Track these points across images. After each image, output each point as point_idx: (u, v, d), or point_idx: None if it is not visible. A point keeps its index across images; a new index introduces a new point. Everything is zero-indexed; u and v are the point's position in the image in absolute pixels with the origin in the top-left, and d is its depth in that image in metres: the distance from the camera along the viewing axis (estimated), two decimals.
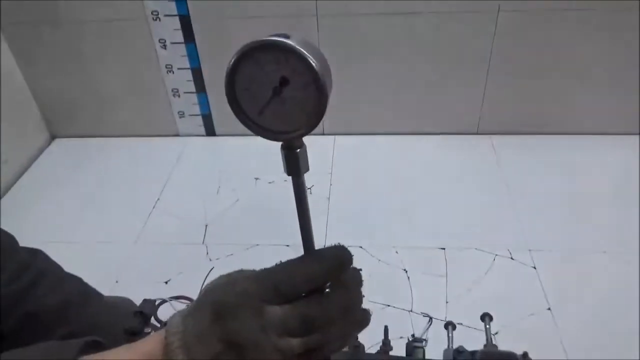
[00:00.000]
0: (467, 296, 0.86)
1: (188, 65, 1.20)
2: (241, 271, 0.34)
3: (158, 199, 1.11)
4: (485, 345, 0.59)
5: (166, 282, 0.90)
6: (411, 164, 1.18)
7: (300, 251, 0.36)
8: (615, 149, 1.17)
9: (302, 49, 0.29)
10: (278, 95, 0.31)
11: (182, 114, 1.29)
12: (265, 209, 1.06)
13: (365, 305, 0.36)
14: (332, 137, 1.27)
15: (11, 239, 0.63)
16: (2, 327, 0.58)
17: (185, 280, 0.90)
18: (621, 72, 1.13)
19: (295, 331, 0.31)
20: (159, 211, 1.08)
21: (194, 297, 0.83)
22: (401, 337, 0.78)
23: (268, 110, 0.31)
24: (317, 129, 0.32)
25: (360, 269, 0.35)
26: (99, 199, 1.13)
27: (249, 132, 0.33)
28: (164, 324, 0.68)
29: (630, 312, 0.81)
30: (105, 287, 0.75)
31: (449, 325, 0.60)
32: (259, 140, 0.34)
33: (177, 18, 1.13)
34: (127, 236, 1.01)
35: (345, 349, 0.62)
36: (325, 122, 0.30)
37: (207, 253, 0.96)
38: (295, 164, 0.33)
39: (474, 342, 0.67)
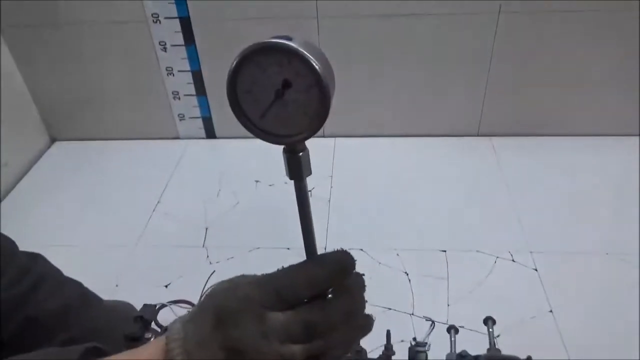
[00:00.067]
0: (468, 299, 0.85)
1: (188, 68, 1.20)
2: (243, 276, 0.34)
3: (158, 202, 1.11)
4: (488, 350, 0.58)
5: (166, 286, 0.90)
6: (412, 166, 1.17)
7: (301, 254, 0.36)
8: (615, 150, 1.17)
9: (304, 51, 0.29)
10: (280, 98, 0.30)
11: (182, 117, 1.28)
12: (266, 211, 1.06)
13: (366, 308, 0.35)
14: (333, 139, 1.26)
15: (11, 244, 0.63)
16: (2, 332, 0.58)
17: (185, 283, 0.90)
18: (621, 73, 1.13)
19: (297, 337, 0.31)
20: (159, 214, 1.08)
21: (195, 300, 0.83)
22: (402, 341, 0.78)
23: (270, 114, 0.31)
24: (318, 131, 0.32)
25: (363, 274, 0.35)
26: (99, 202, 1.13)
27: (249, 134, 0.33)
28: (164, 329, 0.67)
29: (632, 314, 0.81)
30: (105, 290, 0.74)
31: (452, 329, 0.60)
32: (260, 142, 0.34)
33: (177, 20, 1.12)
34: (128, 239, 1.01)
35: (348, 355, 0.62)
36: (326, 124, 0.30)
37: (208, 256, 0.96)
38: (297, 168, 0.33)
39: (477, 346, 0.67)
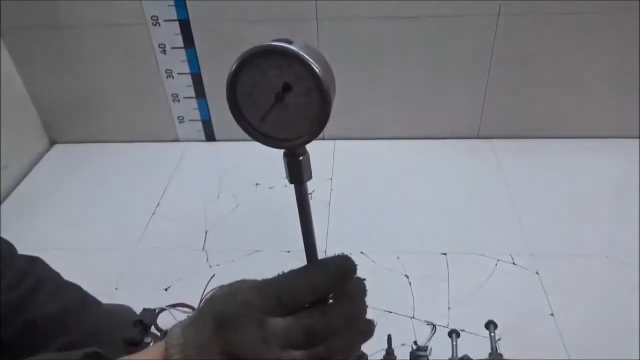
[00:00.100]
0: (469, 302, 0.85)
1: (188, 70, 1.19)
2: (243, 281, 0.34)
3: (158, 205, 1.10)
4: (490, 354, 0.58)
5: (166, 289, 0.90)
6: (412, 169, 1.17)
7: (301, 257, 0.36)
8: (616, 153, 1.17)
9: (305, 55, 0.29)
10: (280, 102, 0.30)
11: (181, 119, 1.28)
12: (266, 214, 1.06)
13: (367, 313, 0.35)
14: (333, 141, 1.26)
15: (10, 247, 0.63)
16: (2, 335, 0.57)
17: (185, 287, 0.90)
18: (621, 75, 1.13)
19: (298, 343, 0.31)
20: (158, 217, 1.07)
21: (194, 304, 0.82)
22: (403, 344, 0.77)
23: (270, 117, 0.31)
24: (319, 135, 0.32)
25: (364, 279, 0.35)
26: (99, 204, 1.12)
27: (249, 137, 0.33)
28: (164, 333, 0.67)
29: (633, 317, 0.80)
30: (105, 294, 0.74)
31: (453, 333, 0.60)
32: (259, 145, 0.33)
33: (176, 23, 1.12)
34: (127, 242, 1.01)
35: None
36: (326, 126, 0.30)
37: (207, 259, 0.96)
38: (298, 172, 0.33)
39: (478, 350, 0.67)
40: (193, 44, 1.15)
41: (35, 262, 0.65)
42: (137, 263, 0.96)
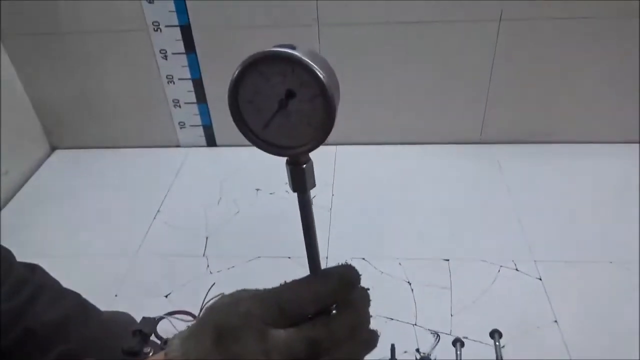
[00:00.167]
0: (472, 308, 0.84)
1: (189, 76, 1.19)
2: (244, 290, 0.33)
3: (158, 211, 1.10)
4: None
5: (166, 296, 0.89)
6: (413, 174, 1.17)
7: (302, 263, 0.35)
8: (619, 157, 1.16)
9: (309, 60, 0.28)
10: (284, 109, 0.30)
11: (182, 125, 1.28)
12: (267, 220, 1.05)
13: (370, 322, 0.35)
14: (334, 147, 1.26)
15: (8, 254, 0.62)
16: (2, 343, 0.57)
17: (186, 293, 0.89)
18: (623, 80, 1.12)
19: (300, 355, 0.30)
20: (159, 223, 1.07)
21: (195, 310, 0.82)
22: (406, 352, 0.77)
23: (273, 124, 0.30)
24: (323, 143, 0.31)
25: (368, 289, 0.34)
26: (99, 210, 1.12)
27: (250, 142, 0.32)
28: (164, 341, 0.66)
29: (637, 323, 0.80)
30: (105, 300, 0.73)
31: (457, 342, 0.59)
32: (260, 150, 0.33)
33: (178, 28, 1.12)
34: (127, 248, 1.00)
35: None
36: None
37: (208, 266, 0.95)
38: (301, 180, 0.32)
39: (481, 357, 0.66)
40: (194, 49, 1.15)
41: (34, 270, 0.65)
42: (138, 269, 0.96)
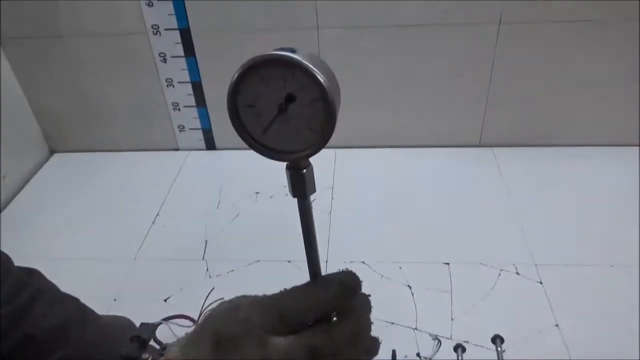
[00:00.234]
0: (472, 312, 0.84)
1: (188, 79, 1.19)
2: (244, 297, 0.33)
3: (157, 214, 1.09)
4: None
5: (165, 300, 0.88)
6: (413, 177, 1.16)
7: (302, 267, 0.35)
8: (620, 160, 1.16)
9: (309, 64, 0.28)
10: (284, 113, 0.29)
11: (182, 128, 1.28)
12: (266, 224, 1.05)
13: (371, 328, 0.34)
14: (333, 150, 1.26)
15: (6, 259, 0.62)
16: (2, 350, 0.56)
17: (185, 297, 0.89)
18: (624, 83, 1.12)
19: None
20: (158, 226, 1.06)
21: (194, 314, 0.81)
22: (406, 356, 0.76)
23: (273, 129, 0.30)
24: (323, 148, 0.31)
25: (369, 295, 0.34)
26: (98, 214, 1.11)
27: (249, 147, 0.32)
28: (163, 346, 0.66)
29: (637, 326, 0.79)
30: (104, 305, 0.73)
31: (459, 348, 0.59)
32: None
33: (177, 32, 1.12)
34: (126, 252, 1.00)
35: None
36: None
37: (207, 269, 0.95)
38: (301, 186, 0.32)
39: None
40: (193, 52, 1.15)
41: (32, 274, 0.64)
42: (136, 273, 0.95)
